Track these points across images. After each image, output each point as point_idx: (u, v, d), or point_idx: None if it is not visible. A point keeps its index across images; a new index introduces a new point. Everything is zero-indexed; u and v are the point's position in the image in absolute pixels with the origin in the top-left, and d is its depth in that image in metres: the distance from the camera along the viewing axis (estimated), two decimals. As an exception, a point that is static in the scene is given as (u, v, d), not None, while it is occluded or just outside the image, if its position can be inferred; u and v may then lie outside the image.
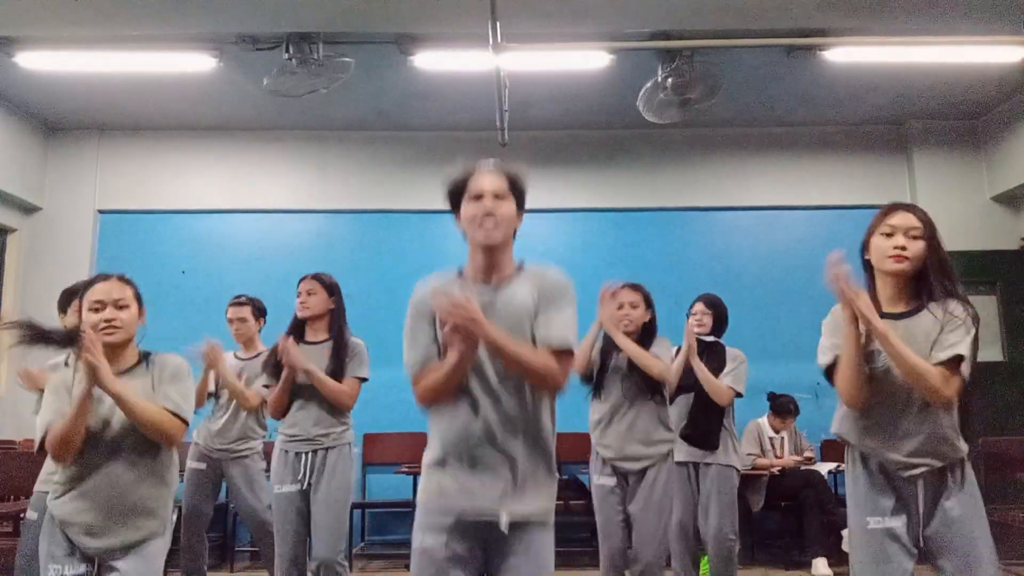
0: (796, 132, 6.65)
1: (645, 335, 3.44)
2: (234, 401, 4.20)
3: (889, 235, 2.23)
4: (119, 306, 2.37)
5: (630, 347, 3.34)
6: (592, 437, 3.47)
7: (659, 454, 3.35)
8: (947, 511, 2.14)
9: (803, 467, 5.41)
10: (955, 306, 2.17)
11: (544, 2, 4.49)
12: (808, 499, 5.18)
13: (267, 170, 6.59)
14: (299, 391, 3.46)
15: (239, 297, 4.39)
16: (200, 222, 6.52)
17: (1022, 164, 6.05)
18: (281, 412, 3.48)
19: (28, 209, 6.39)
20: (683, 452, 3.74)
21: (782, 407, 5.44)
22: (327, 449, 3.44)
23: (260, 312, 4.41)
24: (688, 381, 3.74)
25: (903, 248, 2.19)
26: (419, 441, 6.77)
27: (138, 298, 2.46)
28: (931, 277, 2.19)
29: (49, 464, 3.03)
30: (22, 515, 4.95)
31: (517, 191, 2.07)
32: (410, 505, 5.65)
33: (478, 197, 2.02)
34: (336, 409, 3.47)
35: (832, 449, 5.92)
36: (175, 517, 2.51)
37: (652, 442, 3.35)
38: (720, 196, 6.60)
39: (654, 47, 5.04)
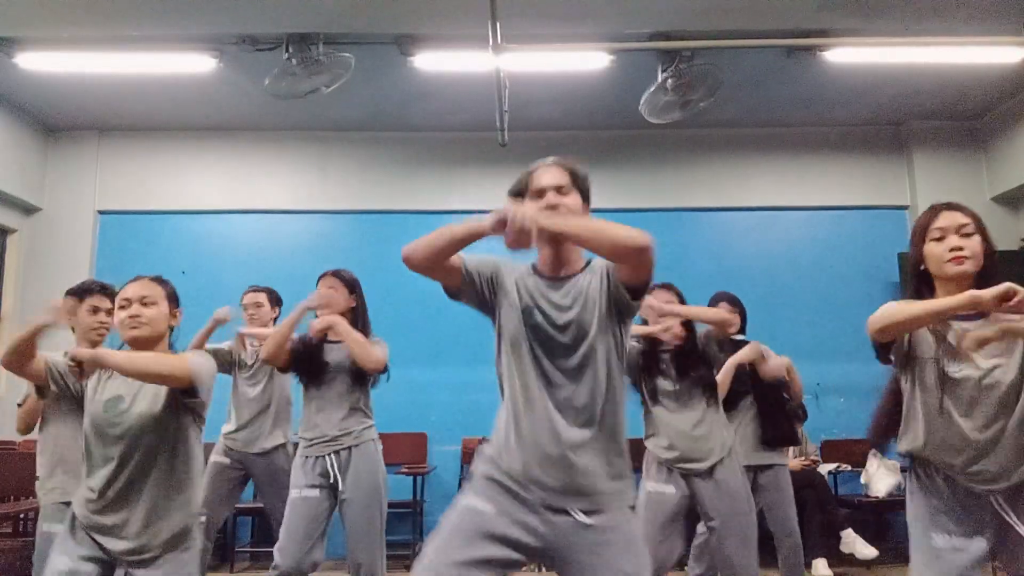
0: (796, 133, 6.66)
1: (686, 336, 3.33)
2: (266, 394, 4.14)
3: (940, 239, 2.09)
4: (145, 303, 2.38)
5: (689, 312, 3.24)
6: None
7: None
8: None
9: (804, 467, 5.41)
10: None
11: (544, 3, 4.49)
12: (809, 500, 5.17)
13: (267, 171, 6.60)
14: (317, 391, 3.42)
15: (254, 286, 4.34)
16: (200, 223, 6.52)
17: (1022, 165, 6.05)
18: (275, 357, 3.40)
19: (28, 210, 6.39)
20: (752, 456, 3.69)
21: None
22: (350, 448, 3.37)
23: (276, 301, 4.36)
24: (744, 386, 3.72)
25: (960, 248, 2.06)
26: (419, 442, 6.81)
27: (171, 297, 2.47)
28: (994, 272, 2.05)
29: (44, 478, 2.99)
30: (22, 516, 4.96)
31: (580, 184, 2.06)
32: (410, 506, 5.65)
33: (540, 193, 2.00)
34: (357, 403, 3.43)
35: (832, 450, 5.93)
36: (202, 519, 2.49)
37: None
38: (720, 196, 6.60)
39: (654, 48, 5.04)
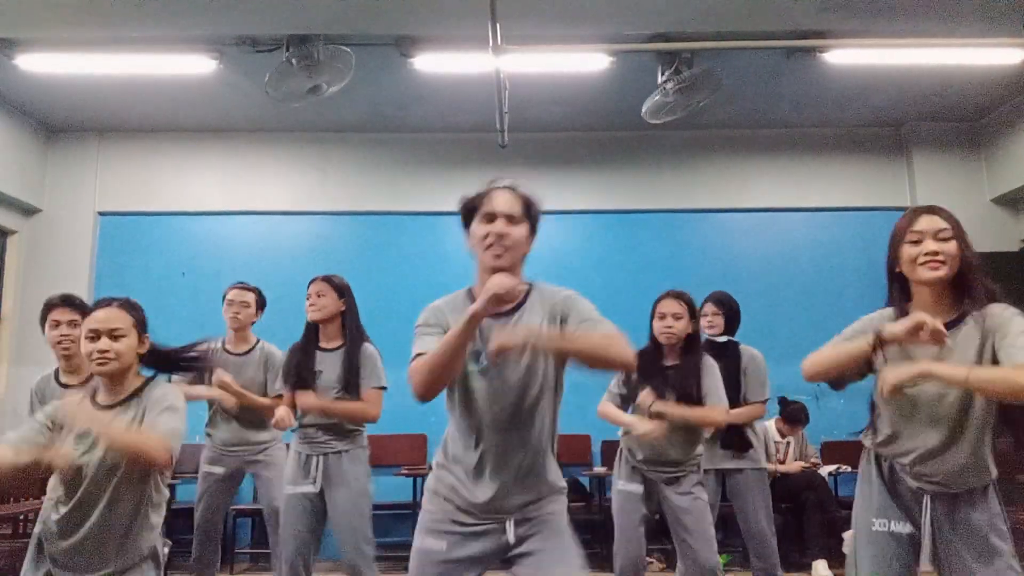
0: (796, 134, 6.66)
1: (689, 347, 3.30)
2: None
3: (917, 242, 2.09)
4: (114, 336, 2.27)
5: (687, 414, 3.20)
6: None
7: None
8: (958, 530, 2.10)
9: (804, 469, 5.41)
10: (998, 309, 2.05)
11: (544, 4, 4.49)
12: (809, 501, 5.18)
13: (267, 172, 6.59)
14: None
15: (243, 282, 4.26)
16: (200, 224, 6.52)
17: (1022, 166, 6.05)
18: (288, 425, 3.49)
19: (28, 211, 6.39)
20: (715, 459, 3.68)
21: (793, 415, 5.43)
22: (340, 453, 3.42)
23: (261, 303, 4.28)
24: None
25: (935, 253, 2.05)
26: (419, 443, 6.79)
27: (140, 325, 2.36)
28: (971, 279, 2.07)
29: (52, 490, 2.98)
30: (22, 517, 4.96)
31: (531, 215, 2.02)
32: (410, 507, 5.65)
33: (490, 217, 1.97)
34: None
35: (832, 451, 5.92)
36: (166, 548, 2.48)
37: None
38: (720, 198, 6.60)
39: (654, 49, 5.04)
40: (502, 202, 1.98)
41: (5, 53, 5.00)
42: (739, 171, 6.63)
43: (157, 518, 2.35)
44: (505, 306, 1.89)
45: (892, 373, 1.98)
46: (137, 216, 6.51)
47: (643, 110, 5.25)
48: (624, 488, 3.33)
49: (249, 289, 4.23)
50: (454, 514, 1.99)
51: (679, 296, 3.31)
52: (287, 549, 3.37)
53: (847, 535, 5.10)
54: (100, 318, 2.28)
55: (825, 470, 5.56)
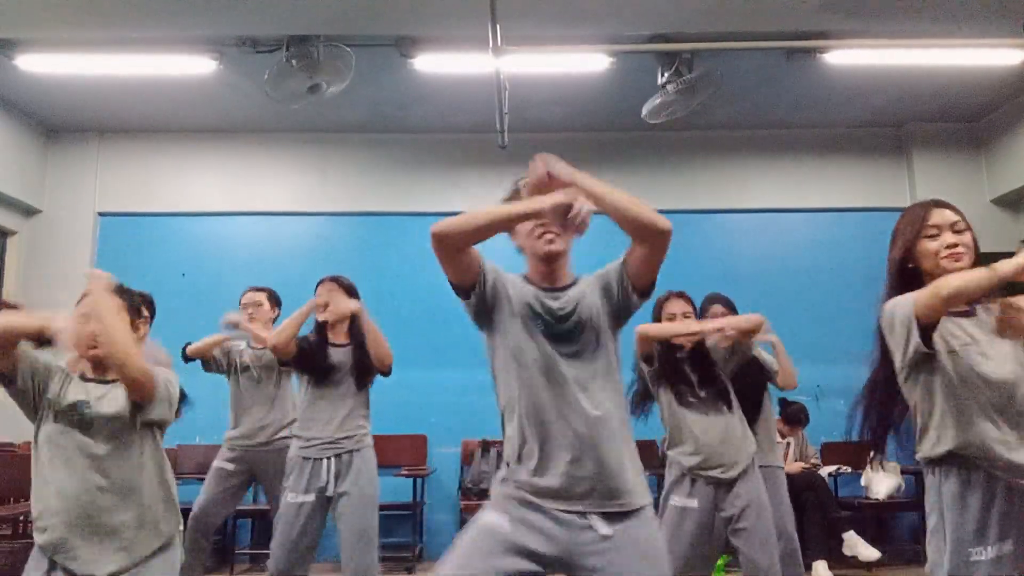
0: (796, 135, 6.66)
1: (701, 344, 3.26)
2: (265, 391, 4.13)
3: (935, 236, 2.07)
4: None
5: (729, 321, 3.24)
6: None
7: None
8: None
9: (804, 470, 5.41)
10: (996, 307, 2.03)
11: (544, 5, 4.49)
12: (809, 502, 5.17)
13: (267, 172, 6.60)
14: (319, 391, 3.41)
15: (254, 286, 4.32)
16: (200, 225, 6.52)
17: (1022, 166, 6.06)
18: (285, 345, 3.39)
19: (28, 211, 6.39)
20: None
21: (793, 416, 5.43)
22: (351, 452, 3.36)
23: (276, 301, 4.32)
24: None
25: (955, 245, 2.03)
26: (420, 444, 6.79)
27: (130, 309, 2.35)
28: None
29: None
30: (22, 518, 4.95)
31: None
32: (411, 508, 5.65)
33: None
34: (359, 406, 3.44)
35: (832, 452, 5.92)
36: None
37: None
38: (720, 198, 6.60)
39: (654, 50, 5.04)
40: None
41: (5, 53, 5.00)
42: (739, 171, 6.63)
43: (172, 490, 2.32)
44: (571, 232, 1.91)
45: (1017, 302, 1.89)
46: (137, 217, 6.51)
47: (643, 112, 5.25)
48: (676, 503, 3.15)
49: (261, 290, 4.29)
50: (530, 502, 1.86)
51: (684, 296, 3.31)
52: (282, 554, 3.27)
53: (847, 536, 5.11)
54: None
55: (825, 471, 5.56)
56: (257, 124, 6.43)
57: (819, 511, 5.16)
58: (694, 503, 3.11)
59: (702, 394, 3.20)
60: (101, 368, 2.30)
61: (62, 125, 6.46)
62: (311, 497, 3.29)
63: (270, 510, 4.08)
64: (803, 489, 5.25)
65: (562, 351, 1.93)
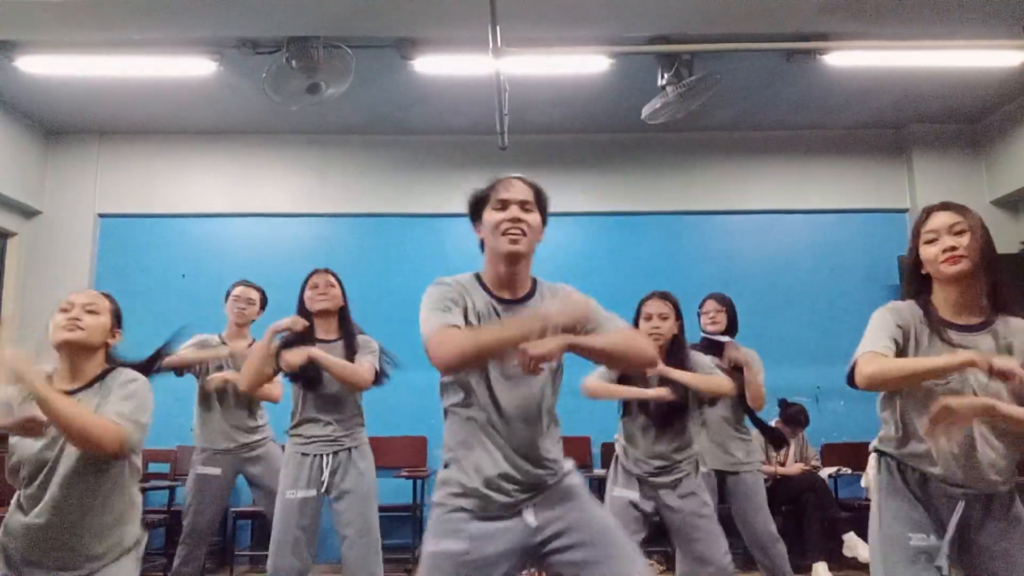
0: (796, 136, 6.66)
1: (675, 347, 3.24)
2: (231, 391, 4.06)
3: (933, 240, 2.08)
4: (88, 310, 2.24)
5: (688, 379, 3.12)
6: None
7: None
8: (987, 539, 2.05)
9: (803, 472, 5.41)
10: (1022, 324, 2.06)
11: (544, 6, 4.49)
12: (809, 503, 5.17)
13: (267, 174, 6.60)
14: (313, 392, 3.36)
15: (247, 280, 4.31)
16: (200, 226, 6.52)
17: (1022, 168, 6.05)
18: (256, 385, 3.32)
19: (28, 213, 6.38)
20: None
21: (792, 417, 5.42)
22: (349, 449, 3.36)
23: (264, 303, 4.34)
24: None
25: (953, 248, 2.04)
26: (419, 445, 6.77)
27: (115, 314, 2.33)
28: (995, 278, 2.07)
29: None
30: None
31: (542, 204, 2.05)
32: (410, 509, 5.64)
33: (504, 204, 1.99)
34: (354, 405, 3.42)
35: (832, 453, 5.92)
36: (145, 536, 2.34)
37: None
38: (720, 200, 6.60)
39: (654, 51, 5.04)
40: (516, 189, 2.01)
41: (5, 55, 5.00)
42: (739, 173, 6.63)
43: (136, 501, 2.28)
44: (577, 325, 1.84)
45: (956, 403, 1.90)
46: (137, 218, 6.51)
47: (643, 114, 5.24)
48: (619, 494, 3.23)
49: (255, 288, 4.30)
50: (469, 511, 1.92)
51: (664, 296, 3.28)
52: (282, 554, 3.23)
53: (847, 537, 5.10)
54: (76, 295, 2.27)
55: (825, 472, 5.56)
56: (257, 125, 6.43)
57: (819, 512, 5.15)
58: (635, 494, 3.20)
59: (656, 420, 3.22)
60: (74, 365, 2.24)
61: (62, 126, 6.46)
62: (311, 492, 3.27)
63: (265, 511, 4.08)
64: (803, 490, 5.25)
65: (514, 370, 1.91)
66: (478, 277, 2.06)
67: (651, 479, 3.19)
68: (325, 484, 3.30)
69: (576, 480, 2.02)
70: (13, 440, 2.17)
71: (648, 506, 3.19)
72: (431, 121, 6.32)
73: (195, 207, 6.52)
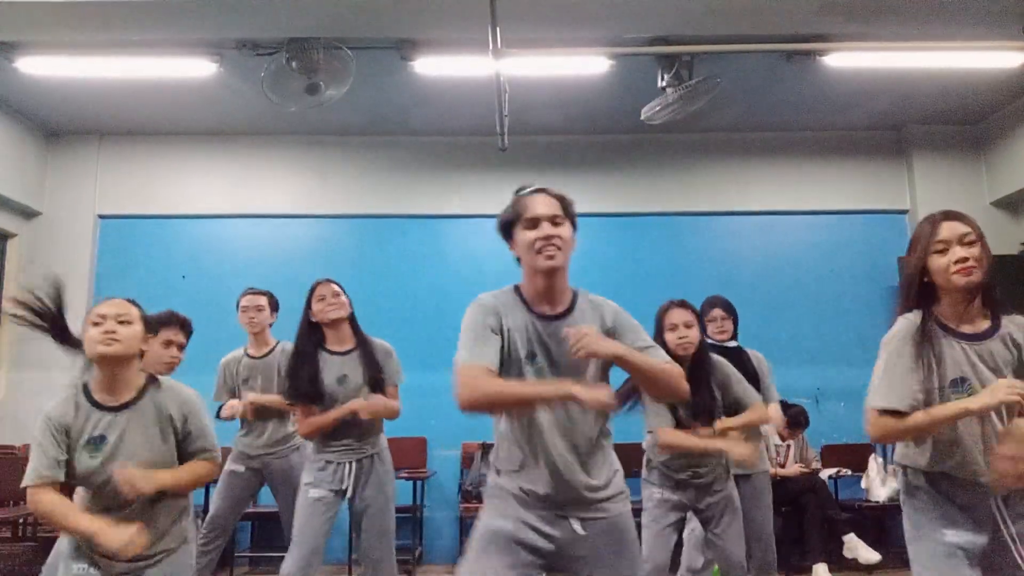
0: (796, 137, 6.66)
1: (702, 354, 3.26)
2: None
3: (944, 251, 2.07)
4: (120, 321, 2.28)
5: (744, 422, 3.26)
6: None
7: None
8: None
9: (803, 474, 5.40)
10: (1022, 320, 2.11)
11: (544, 7, 4.49)
12: (809, 504, 5.17)
13: (267, 175, 6.60)
14: (338, 403, 3.41)
15: (253, 288, 4.34)
16: (200, 227, 6.52)
17: (1022, 169, 6.06)
18: (315, 437, 3.43)
19: (28, 214, 6.38)
20: None
21: (793, 419, 5.42)
22: (372, 456, 3.44)
23: (275, 305, 4.36)
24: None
25: (965, 259, 2.04)
26: (420, 447, 6.76)
27: (145, 321, 2.39)
28: (993, 284, 2.10)
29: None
30: (22, 520, 4.95)
31: (570, 213, 2.08)
32: (411, 510, 5.64)
33: (534, 222, 2.02)
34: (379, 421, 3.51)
35: (832, 454, 5.92)
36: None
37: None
38: (720, 201, 6.60)
39: (654, 52, 5.04)
40: (543, 205, 2.04)
41: (5, 56, 5.00)
42: (739, 174, 6.63)
43: (188, 504, 2.44)
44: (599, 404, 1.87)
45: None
46: (137, 219, 6.50)
47: (643, 115, 5.24)
48: (659, 496, 3.30)
49: (261, 293, 4.32)
50: (524, 501, 2.03)
51: (685, 304, 3.28)
52: (300, 551, 3.29)
53: (848, 539, 5.10)
54: (108, 306, 2.31)
55: (825, 473, 5.56)
56: (257, 127, 6.43)
57: (819, 513, 5.15)
58: (670, 494, 3.28)
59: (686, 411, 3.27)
60: (115, 377, 2.32)
61: (62, 128, 6.46)
62: (330, 495, 3.36)
63: (280, 512, 4.18)
64: (803, 491, 5.25)
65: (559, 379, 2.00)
66: (518, 290, 2.10)
67: (688, 480, 3.26)
68: (348, 490, 3.37)
69: (626, 513, 2.09)
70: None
71: (682, 506, 3.28)
72: (431, 122, 6.32)
73: (195, 208, 6.52)
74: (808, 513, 5.15)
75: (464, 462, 5.98)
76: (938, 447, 2.09)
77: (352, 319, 3.51)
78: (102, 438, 2.25)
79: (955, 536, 2.04)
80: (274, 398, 3.96)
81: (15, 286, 6.28)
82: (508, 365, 2.01)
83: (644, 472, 3.41)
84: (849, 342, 6.05)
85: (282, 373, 3.97)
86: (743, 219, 6.61)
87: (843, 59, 5.16)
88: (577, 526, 2.01)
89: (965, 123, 6.50)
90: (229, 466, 4.15)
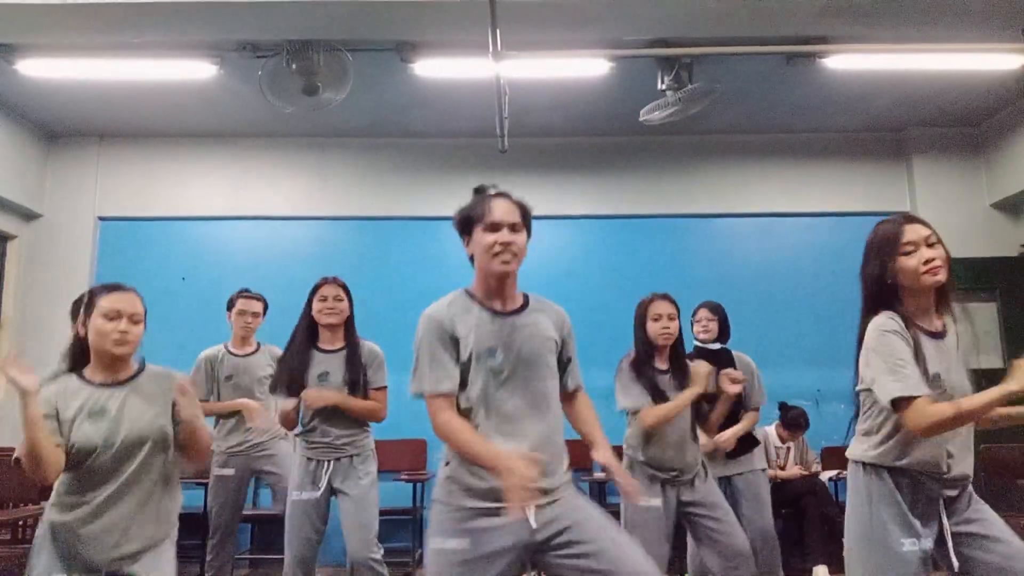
0: (795, 139, 6.66)
1: (678, 347, 3.42)
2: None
3: (911, 252, 2.16)
4: (134, 320, 2.35)
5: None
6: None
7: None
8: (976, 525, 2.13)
9: (803, 476, 5.40)
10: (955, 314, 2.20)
11: (544, 10, 4.49)
12: (809, 506, 5.16)
13: (267, 177, 6.60)
14: (323, 407, 3.47)
15: (248, 291, 4.43)
16: (200, 229, 6.52)
17: (1021, 171, 6.06)
18: (292, 425, 3.52)
19: (28, 216, 6.39)
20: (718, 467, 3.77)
21: (793, 421, 5.41)
22: (351, 456, 3.48)
23: (265, 310, 4.49)
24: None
25: (932, 259, 2.13)
26: (419, 449, 6.75)
27: (145, 314, 2.46)
28: (951, 278, 2.17)
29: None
30: (21, 523, 4.94)
31: (527, 222, 2.15)
32: (410, 512, 5.63)
33: (495, 227, 2.08)
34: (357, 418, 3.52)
35: (833, 456, 5.91)
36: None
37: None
38: (720, 203, 6.60)
39: (654, 55, 5.04)
40: (504, 212, 2.10)
41: (5, 58, 5.00)
42: (739, 176, 6.63)
43: (179, 492, 2.45)
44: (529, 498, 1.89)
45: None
46: (137, 221, 6.51)
47: (640, 115, 5.24)
48: (646, 503, 3.29)
49: (256, 299, 4.42)
50: (474, 508, 2.01)
51: (667, 297, 3.40)
52: (291, 553, 3.40)
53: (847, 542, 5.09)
54: (119, 299, 2.35)
55: (826, 475, 5.55)
56: (257, 129, 6.43)
57: (820, 516, 5.14)
58: (657, 501, 3.31)
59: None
60: (115, 365, 2.38)
61: (62, 129, 6.46)
62: (315, 494, 3.41)
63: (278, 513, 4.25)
64: (804, 494, 5.24)
65: (515, 375, 2.07)
66: (469, 292, 2.16)
67: (672, 479, 3.31)
68: (322, 487, 3.42)
69: (570, 481, 2.12)
70: (76, 438, 2.29)
71: (670, 510, 3.31)
72: (431, 124, 6.33)
73: (195, 210, 6.52)
74: (808, 515, 5.15)
75: (464, 464, 5.96)
76: (907, 440, 2.12)
77: (348, 323, 3.55)
78: (103, 410, 2.30)
79: (911, 545, 2.07)
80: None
81: (15, 288, 6.29)
82: (470, 366, 2.05)
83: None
84: (849, 344, 5.98)
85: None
86: (743, 221, 6.61)
87: (843, 61, 5.16)
88: (530, 517, 1.97)
89: (965, 125, 6.51)
90: (217, 471, 4.23)
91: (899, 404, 2.03)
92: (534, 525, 1.96)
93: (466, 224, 2.15)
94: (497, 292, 2.13)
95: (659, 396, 3.31)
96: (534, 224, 2.22)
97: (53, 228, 6.42)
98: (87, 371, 2.39)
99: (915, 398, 2.01)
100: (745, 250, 6.55)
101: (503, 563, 1.97)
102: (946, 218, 6.04)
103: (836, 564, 5.04)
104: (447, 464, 2.07)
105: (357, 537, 3.38)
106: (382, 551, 3.46)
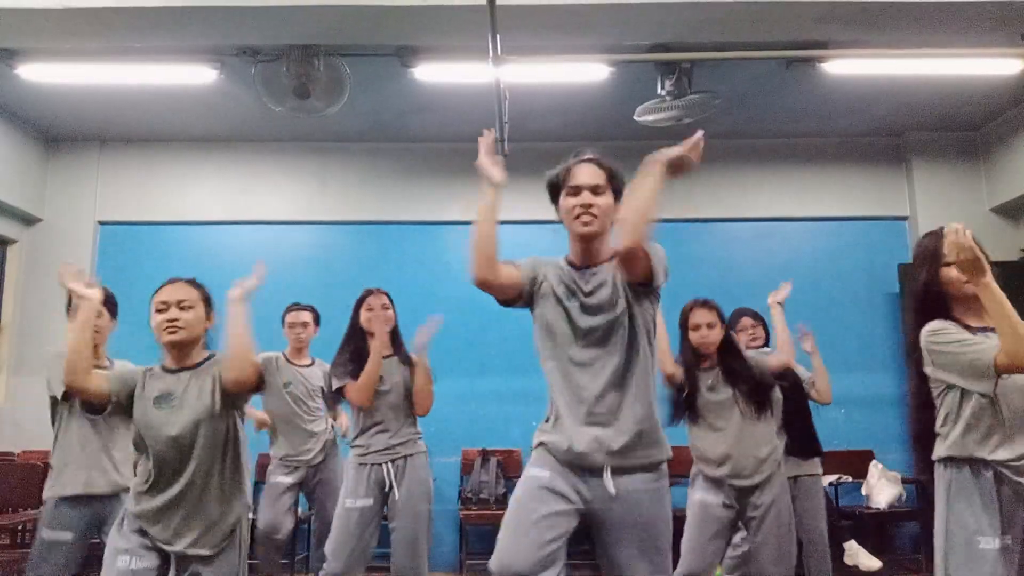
0: (795, 144, 6.67)
1: (729, 349, 3.37)
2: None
3: (950, 264, 2.28)
4: (182, 307, 2.45)
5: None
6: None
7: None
8: None
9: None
10: None
11: (544, 15, 4.50)
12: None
13: (267, 182, 6.60)
14: (375, 410, 3.47)
15: (297, 304, 4.47)
16: (200, 234, 6.52)
17: (1021, 175, 6.06)
18: (370, 399, 3.45)
19: (28, 220, 6.39)
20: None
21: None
22: (405, 458, 3.46)
23: (317, 320, 4.51)
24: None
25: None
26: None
27: (206, 300, 2.56)
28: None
29: (57, 472, 3.09)
30: (20, 527, 4.94)
31: (615, 184, 2.19)
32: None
33: (576, 190, 2.14)
34: (407, 415, 3.53)
35: (833, 461, 5.89)
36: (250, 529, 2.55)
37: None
38: (720, 207, 6.61)
39: (653, 60, 5.05)
40: (586, 175, 2.16)
41: (6, 63, 5.01)
42: (739, 180, 6.64)
43: (244, 480, 2.46)
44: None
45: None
46: (137, 225, 6.51)
47: (636, 113, 5.24)
48: (702, 498, 3.29)
49: (306, 309, 4.46)
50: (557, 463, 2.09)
51: (707, 304, 3.37)
52: (338, 563, 3.31)
53: (848, 546, 5.08)
54: (168, 291, 2.49)
55: (826, 480, 5.54)
56: (257, 133, 6.44)
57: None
58: (718, 499, 3.27)
59: (723, 399, 3.33)
60: (181, 355, 2.45)
61: (63, 134, 6.47)
62: (369, 501, 3.37)
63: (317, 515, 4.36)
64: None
65: (589, 321, 2.12)
66: (567, 259, 2.26)
67: (733, 482, 3.26)
68: (391, 490, 3.39)
69: (664, 488, 2.13)
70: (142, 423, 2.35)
71: (731, 511, 3.27)
72: (431, 129, 6.33)
73: (195, 215, 6.52)
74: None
75: (464, 469, 5.96)
76: (988, 432, 2.15)
77: (395, 330, 3.63)
78: (170, 394, 2.35)
79: (989, 543, 2.09)
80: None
81: (15, 292, 6.28)
82: (545, 304, 2.16)
83: (692, 477, 3.42)
84: (849, 349, 6.03)
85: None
86: (743, 225, 6.61)
87: (843, 66, 5.17)
88: (609, 483, 2.03)
89: (965, 130, 6.51)
90: (273, 478, 4.25)
91: (998, 365, 2.09)
92: (612, 491, 2.02)
93: (553, 190, 2.22)
94: (583, 253, 2.18)
95: (700, 393, 3.30)
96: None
97: (53, 233, 6.42)
98: (166, 360, 2.46)
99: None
100: (745, 254, 6.55)
101: (569, 507, 2.02)
102: (946, 222, 6.01)
103: (837, 569, 4.99)
104: (547, 420, 2.15)
105: (405, 548, 3.35)
106: (427, 556, 3.43)
